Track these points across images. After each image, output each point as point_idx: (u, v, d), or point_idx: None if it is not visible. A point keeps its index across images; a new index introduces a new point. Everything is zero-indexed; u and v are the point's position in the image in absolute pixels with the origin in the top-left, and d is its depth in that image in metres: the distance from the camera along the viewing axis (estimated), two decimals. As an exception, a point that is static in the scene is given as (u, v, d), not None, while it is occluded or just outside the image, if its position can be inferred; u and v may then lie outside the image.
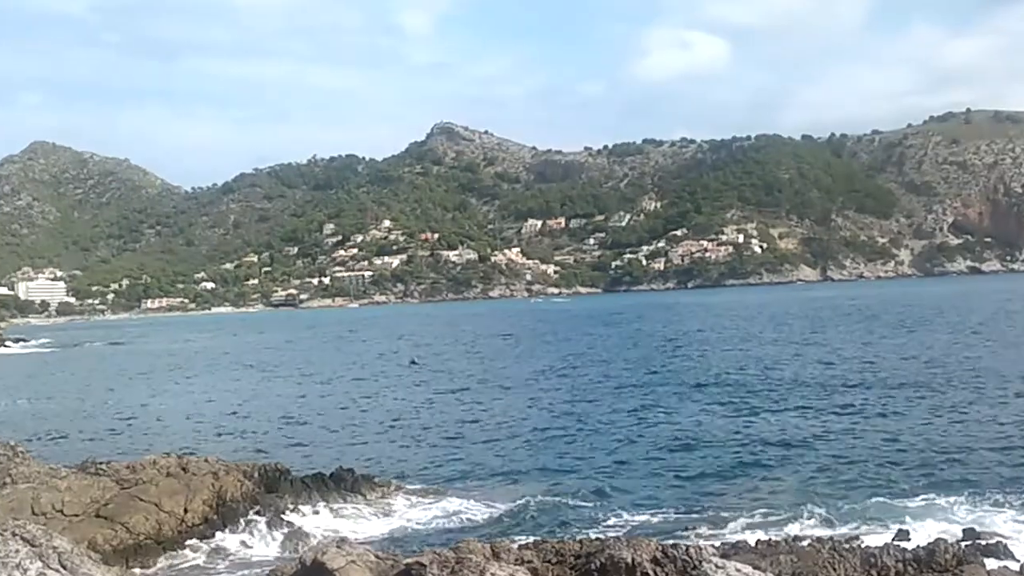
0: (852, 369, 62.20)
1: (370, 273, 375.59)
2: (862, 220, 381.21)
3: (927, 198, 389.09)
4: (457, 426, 46.94)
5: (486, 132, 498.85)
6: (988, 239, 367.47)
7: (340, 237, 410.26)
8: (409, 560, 16.85)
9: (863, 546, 22.83)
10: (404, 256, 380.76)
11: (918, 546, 22.46)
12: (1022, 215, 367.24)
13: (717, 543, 23.91)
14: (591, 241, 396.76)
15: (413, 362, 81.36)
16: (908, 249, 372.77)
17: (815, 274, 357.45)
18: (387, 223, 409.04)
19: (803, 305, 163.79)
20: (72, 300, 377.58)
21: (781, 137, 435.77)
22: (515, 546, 20.01)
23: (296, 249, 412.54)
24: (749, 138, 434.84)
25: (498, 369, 75.72)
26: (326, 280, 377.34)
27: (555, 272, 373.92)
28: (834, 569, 20.66)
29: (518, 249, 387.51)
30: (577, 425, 45.61)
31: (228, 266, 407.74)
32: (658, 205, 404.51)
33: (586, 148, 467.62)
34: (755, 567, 17.81)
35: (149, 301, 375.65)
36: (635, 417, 47.33)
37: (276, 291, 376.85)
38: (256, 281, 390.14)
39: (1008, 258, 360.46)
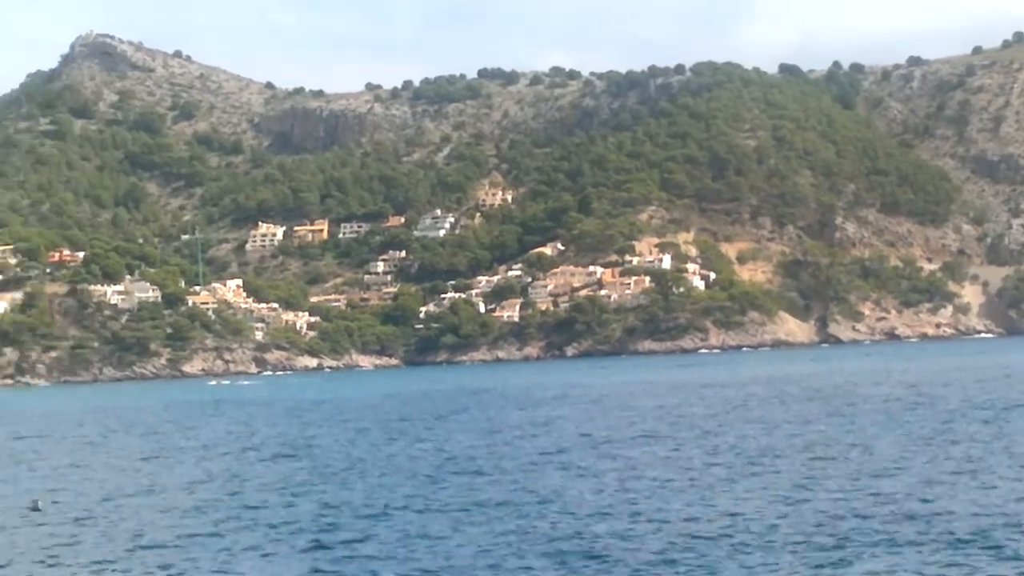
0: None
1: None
2: (892, 228, 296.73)
3: (1012, 187, 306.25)
4: None
5: (178, 55, 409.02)
6: None
7: None
8: None
9: None
10: (19, 295, 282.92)
11: None
12: None
13: None
14: (380, 267, 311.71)
15: (36, 508, 62.47)
16: (978, 283, 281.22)
17: (807, 330, 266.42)
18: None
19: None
20: None
21: (741, 68, 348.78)
22: None
23: None
24: (682, 69, 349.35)
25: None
26: None
27: (309, 326, 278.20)
28: None
29: (239, 282, 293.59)
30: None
31: None
32: (509, 197, 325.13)
33: (371, 86, 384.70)
34: None
35: None
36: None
37: None
38: None
39: None
